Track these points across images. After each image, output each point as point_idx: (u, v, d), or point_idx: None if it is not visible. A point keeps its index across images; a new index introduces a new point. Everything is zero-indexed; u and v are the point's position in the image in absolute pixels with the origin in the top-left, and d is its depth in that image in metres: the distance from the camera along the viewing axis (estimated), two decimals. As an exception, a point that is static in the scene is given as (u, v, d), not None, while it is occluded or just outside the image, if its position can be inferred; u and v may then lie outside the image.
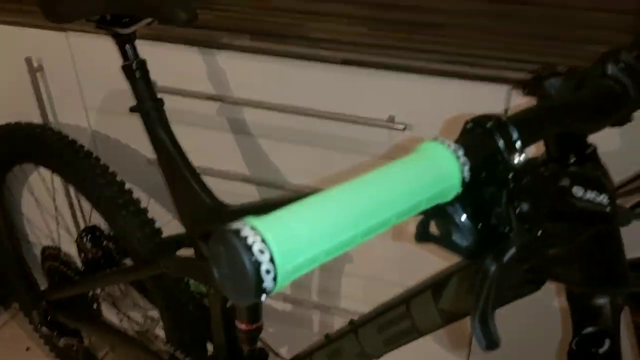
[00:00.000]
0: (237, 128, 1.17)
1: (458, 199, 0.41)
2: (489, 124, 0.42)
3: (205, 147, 1.19)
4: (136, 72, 0.96)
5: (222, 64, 1.12)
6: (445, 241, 0.43)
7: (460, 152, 0.39)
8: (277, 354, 1.15)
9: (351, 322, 0.92)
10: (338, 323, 1.31)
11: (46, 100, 1.27)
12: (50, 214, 1.42)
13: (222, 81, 1.13)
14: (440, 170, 0.39)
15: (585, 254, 0.63)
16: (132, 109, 0.98)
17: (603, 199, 0.50)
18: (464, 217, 0.42)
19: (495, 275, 0.43)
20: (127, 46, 0.95)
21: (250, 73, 1.10)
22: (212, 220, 0.99)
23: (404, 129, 1.01)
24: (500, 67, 0.92)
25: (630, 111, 0.57)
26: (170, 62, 1.13)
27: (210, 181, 1.02)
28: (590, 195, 0.49)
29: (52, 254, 1.33)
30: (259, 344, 1.14)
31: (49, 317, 1.31)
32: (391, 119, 1.03)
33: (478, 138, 0.42)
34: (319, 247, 0.33)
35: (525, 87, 0.62)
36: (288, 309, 1.36)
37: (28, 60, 1.22)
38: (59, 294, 1.28)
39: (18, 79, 1.25)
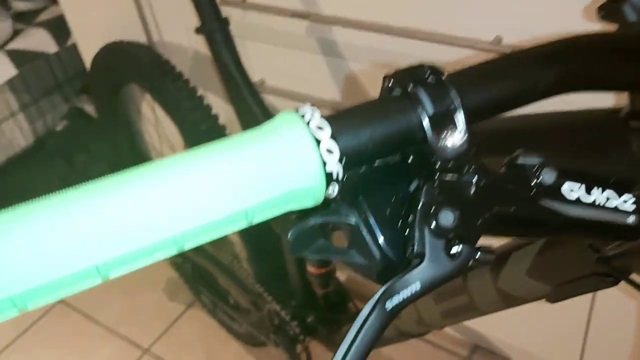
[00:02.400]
0: (325, 49, 1.05)
1: (351, 198, 0.27)
2: (410, 86, 0.27)
3: (290, 69, 1.09)
4: (199, -11, 0.87)
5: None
6: (333, 256, 0.30)
7: (324, 135, 0.25)
8: (353, 303, 1.06)
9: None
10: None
11: (150, 19, 1.25)
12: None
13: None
14: (293, 162, 0.25)
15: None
16: (197, 31, 0.91)
17: (625, 202, 0.31)
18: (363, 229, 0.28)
19: (382, 321, 0.29)
20: (188, -39, 0.86)
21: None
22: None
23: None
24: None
25: None
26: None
27: (291, 106, 0.93)
28: (599, 196, 0.30)
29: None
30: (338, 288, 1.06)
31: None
32: (497, 41, 0.84)
33: (385, 106, 0.27)
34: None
35: (601, 8, 0.43)
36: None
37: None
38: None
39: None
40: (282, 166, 0.25)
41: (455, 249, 0.28)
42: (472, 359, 1.32)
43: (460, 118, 0.27)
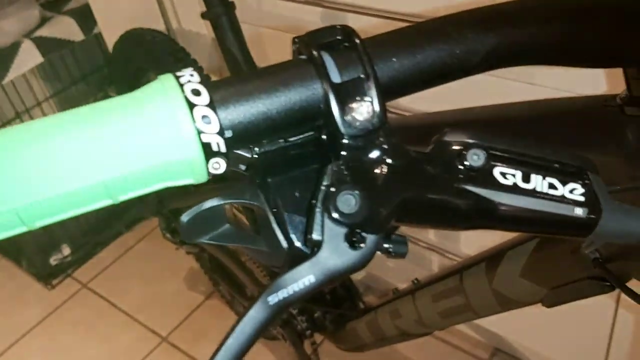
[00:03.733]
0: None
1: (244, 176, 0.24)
2: (314, 51, 0.24)
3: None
4: (203, -27, 0.85)
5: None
6: (236, 243, 0.26)
7: (201, 100, 0.22)
8: (361, 300, 1.03)
9: (414, 281, 0.76)
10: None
11: (169, 6, 1.24)
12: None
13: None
14: (162, 129, 0.22)
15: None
16: (203, 16, 0.89)
17: (572, 191, 0.26)
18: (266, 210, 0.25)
19: (265, 316, 0.25)
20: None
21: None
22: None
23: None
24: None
25: None
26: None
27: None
28: (540, 183, 0.26)
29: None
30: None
31: (172, 225, 1.34)
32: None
33: (284, 73, 0.24)
34: None
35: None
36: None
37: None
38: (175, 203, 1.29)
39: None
40: (151, 133, 0.22)
41: (358, 238, 0.24)
42: (492, 361, 1.27)
43: (372, 88, 0.24)
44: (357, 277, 1.31)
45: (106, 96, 1.88)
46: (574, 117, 0.45)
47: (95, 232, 1.72)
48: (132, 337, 1.50)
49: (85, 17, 1.49)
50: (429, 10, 0.86)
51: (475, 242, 1.08)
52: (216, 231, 0.27)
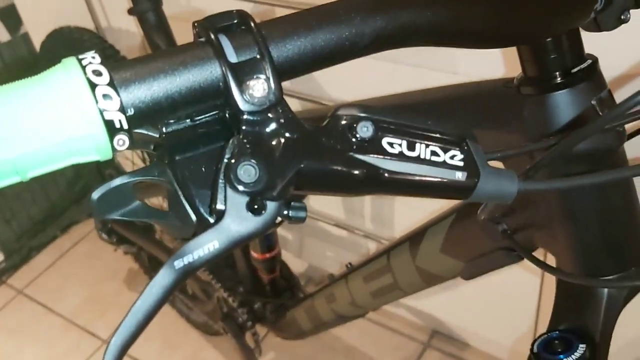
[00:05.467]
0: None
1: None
2: (212, 33, 0.26)
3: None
4: (128, -33, 0.85)
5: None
6: (148, 219, 0.28)
7: (102, 80, 0.24)
8: (301, 290, 1.05)
9: (347, 265, 0.78)
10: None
11: (97, 4, 1.22)
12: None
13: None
14: (66, 107, 0.24)
15: (580, 217, 0.43)
16: (130, 12, 0.89)
17: (452, 157, 0.29)
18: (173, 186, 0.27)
19: (172, 281, 0.27)
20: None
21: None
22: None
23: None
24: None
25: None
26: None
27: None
28: (423, 151, 0.28)
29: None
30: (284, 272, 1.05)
31: (109, 225, 1.33)
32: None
33: (183, 54, 0.26)
34: None
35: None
36: (343, 234, 1.25)
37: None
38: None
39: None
40: (56, 111, 0.24)
41: (259, 205, 0.26)
42: (430, 344, 1.32)
43: (267, 67, 0.26)
44: (298, 269, 1.33)
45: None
46: (479, 99, 0.48)
47: (29, 236, 1.68)
48: (71, 341, 1.47)
49: (11, 17, 1.45)
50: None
51: (410, 227, 1.12)
52: (126, 208, 0.29)
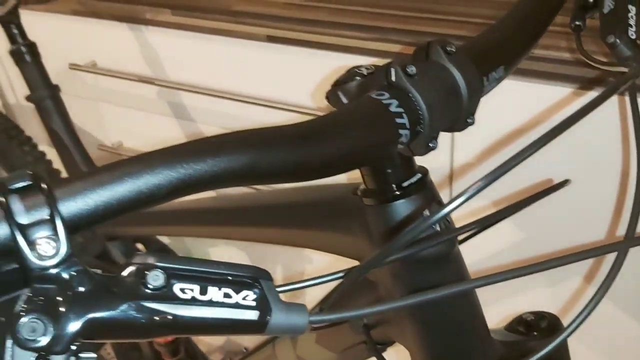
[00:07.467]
0: (176, 112, 1.06)
1: None
2: (2, 196, 0.27)
3: (144, 131, 1.10)
4: (25, 56, 0.86)
5: (152, 42, 1.00)
6: None
7: None
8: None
9: (244, 350, 0.79)
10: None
11: (4, 81, 1.22)
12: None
13: (154, 60, 1.02)
14: None
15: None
16: (28, 99, 0.89)
17: (245, 297, 0.31)
18: None
19: None
20: (12, 27, 0.85)
21: (179, 50, 0.98)
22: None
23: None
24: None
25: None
26: (107, 39, 1.04)
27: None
28: (216, 294, 0.31)
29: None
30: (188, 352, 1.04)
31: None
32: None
33: None
34: None
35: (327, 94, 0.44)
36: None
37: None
38: None
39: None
40: None
41: None
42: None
43: (57, 227, 0.28)
44: (216, 342, 1.32)
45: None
46: (326, 205, 0.51)
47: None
48: None
49: None
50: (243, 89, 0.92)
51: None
52: None
